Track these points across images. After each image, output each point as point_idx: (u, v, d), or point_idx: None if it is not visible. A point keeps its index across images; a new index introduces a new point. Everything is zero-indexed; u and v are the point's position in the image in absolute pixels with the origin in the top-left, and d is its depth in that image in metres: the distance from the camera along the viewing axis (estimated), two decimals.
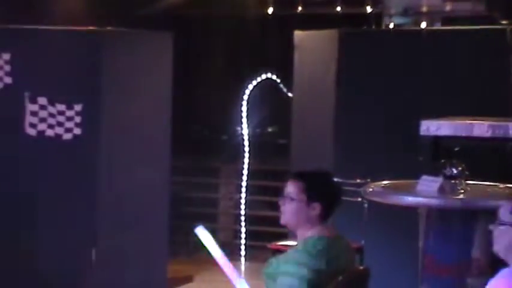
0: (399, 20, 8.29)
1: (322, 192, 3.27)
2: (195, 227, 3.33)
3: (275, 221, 7.33)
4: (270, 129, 9.28)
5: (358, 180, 5.09)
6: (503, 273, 2.53)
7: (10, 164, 5.58)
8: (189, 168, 8.03)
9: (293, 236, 3.87)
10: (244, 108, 7.76)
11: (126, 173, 5.58)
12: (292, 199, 3.27)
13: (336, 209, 3.32)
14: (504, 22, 6.71)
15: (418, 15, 8.17)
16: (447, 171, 3.89)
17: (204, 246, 3.30)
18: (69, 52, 5.49)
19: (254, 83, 7.82)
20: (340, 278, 3.20)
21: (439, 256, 3.86)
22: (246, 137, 7.76)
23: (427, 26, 7.90)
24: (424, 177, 3.90)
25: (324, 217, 3.27)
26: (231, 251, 7.33)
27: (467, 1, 8.01)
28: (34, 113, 5.50)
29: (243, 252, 7.61)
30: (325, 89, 5.86)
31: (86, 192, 5.44)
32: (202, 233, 3.30)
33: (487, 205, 3.78)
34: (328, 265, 3.19)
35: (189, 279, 6.85)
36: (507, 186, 4.13)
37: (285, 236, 5.60)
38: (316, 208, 3.25)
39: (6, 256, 5.55)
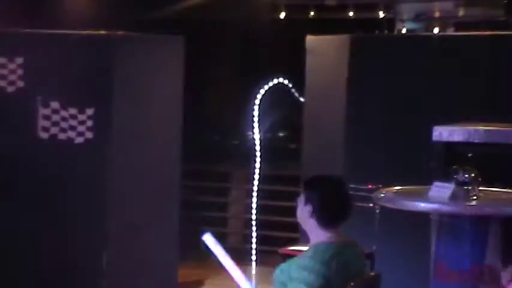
0: (411, 25, 8.28)
1: (312, 194, 3.30)
2: (203, 233, 3.34)
3: (286, 226, 7.32)
4: (281, 134, 9.28)
5: (370, 186, 5.07)
6: None
7: (23, 167, 5.60)
8: (199, 173, 8.03)
9: (304, 241, 3.86)
10: (255, 113, 7.76)
11: (137, 177, 5.58)
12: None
13: (338, 214, 3.32)
14: None
15: (431, 21, 8.15)
16: (459, 177, 3.86)
17: (212, 253, 3.31)
18: (81, 56, 5.50)
19: (266, 87, 7.81)
20: (351, 284, 3.19)
21: (451, 262, 3.84)
22: (257, 142, 7.75)
23: (440, 31, 7.88)
24: (436, 183, 3.88)
25: (322, 221, 3.28)
26: (241, 255, 7.32)
27: (480, 7, 7.99)
28: (46, 117, 5.52)
29: (253, 257, 7.60)
30: (337, 94, 5.85)
31: (97, 196, 5.45)
32: (209, 240, 3.31)
33: (500, 212, 3.76)
34: (338, 272, 3.18)
35: (199, 283, 6.85)
36: None
37: (295, 241, 5.59)
38: (309, 209, 3.28)
39: (19, 257, 5.57)
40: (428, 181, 3.99)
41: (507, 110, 5.20)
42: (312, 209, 3.28)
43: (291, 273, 3.22)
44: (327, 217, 3.28)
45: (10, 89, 5.59)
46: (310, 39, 6.22)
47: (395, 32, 8.09)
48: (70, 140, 5.46)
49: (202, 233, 3.36)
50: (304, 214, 3.31)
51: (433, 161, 4.27)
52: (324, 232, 3.27)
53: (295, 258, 3.37)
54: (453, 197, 3.79)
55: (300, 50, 6.29)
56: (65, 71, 5.51)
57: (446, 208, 3.80)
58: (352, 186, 5.30)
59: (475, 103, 5.37)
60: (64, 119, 5.48)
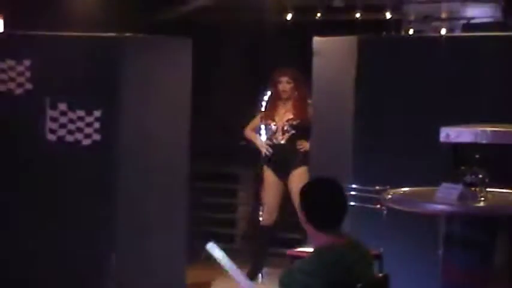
0: (419, 27, 8.25)
1: (304, 201, 3.36)
2: (207, 243, 3.38)
3: (293, 227, 7.31)
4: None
5: (377, 187, 5.06)
6: None
7: (31, 169, 5.61)
8: (207, 174, 8.03)
9: (311, 242, 3.86)
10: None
11: (144, 178, 5.59)
12: None
13: (330, 217, 3.33)
14: None
15: (438, 22, 8.13)
16: (467, 179, 3.86)
17: (218, 262, 3.35)
18: (88, 58, 5.52)
19: None
20: (359, 285, 3.18)
21: (458, 264, 3.84)
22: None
23: (447, 32, 7.86)
24: (444, 184, 3.88)
25: (316, 225, 3.31)
26: (249, 257, 7.31)
27: (487, 7, 7.97)
28: (54, 119, 5.54)
29: None
30: (344, 95, 5.85)
31: (105, 198, 5.46)
32: (214, 249, 3.35)
33: (508, 213, 3.75)
34: (343, 276, 3.18)
35: (207, 284, 6.85)
36: None
37: (303, 242, 5.59)
38: (304, 215, 3.35)
39: (26, 258, 5.59)
40: (436, 182, 3.98)
41: None
42: (305, 215, 3.31)
43: (294, 277, 3.23)
44: (319, 221, 3.31)
45: (18, 91, 5.62)
46: (317, 40, 6.21)
47: (403, 33, 8.06)
48: (77, 142, 5.48)
49: (206, 242, 3.40)
50: (302, 220, 3.38)
51: (440, 162, 4.26)
52: (323, 235, 3.29)
53: (299, 262, 3.38)
54: (461, 198, 3.79)
55: (307, 51, 6.28)
56: (73, 73, 5.53)
57: (454, 209, 3.80)
58: (359, 187, 5.32)
59: (484, 104, 5.35)
60: (71, 121, 5.50)
